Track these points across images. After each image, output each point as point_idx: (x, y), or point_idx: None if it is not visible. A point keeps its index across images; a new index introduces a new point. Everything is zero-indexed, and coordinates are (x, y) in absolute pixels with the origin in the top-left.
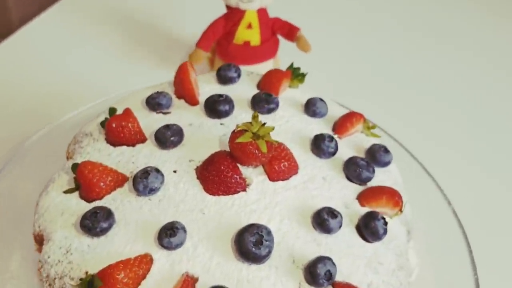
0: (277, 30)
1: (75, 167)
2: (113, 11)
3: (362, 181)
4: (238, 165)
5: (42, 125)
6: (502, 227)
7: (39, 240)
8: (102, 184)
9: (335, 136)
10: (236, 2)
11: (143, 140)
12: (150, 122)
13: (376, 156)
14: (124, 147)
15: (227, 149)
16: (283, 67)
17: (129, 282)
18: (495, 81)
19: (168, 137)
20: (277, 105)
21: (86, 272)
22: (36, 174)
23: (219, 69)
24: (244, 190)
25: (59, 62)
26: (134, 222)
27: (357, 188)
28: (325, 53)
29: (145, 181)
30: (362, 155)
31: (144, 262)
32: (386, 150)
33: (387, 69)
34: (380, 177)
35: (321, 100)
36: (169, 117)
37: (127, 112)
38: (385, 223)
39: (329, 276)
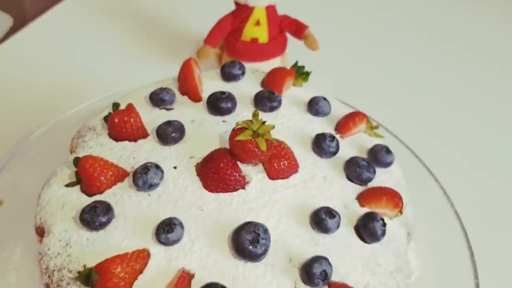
0: (285, 27)
1: (76, 161)
2: (123, 6)
3: (362, 181)
4: (238, 162)
5: (49, 119)
6: (505, 230)
7: (40, 233)
8: (102, 178)
9: (337, 136)
10: None
11: (145, 135)
12: (152, 117)
13: (378, 156)
14: (126, 142)
15: (228, 146)
16: (291, 65)
17: (126, 276)
18: (501, 82)
19: (169, 133)
20: (279, 103)
21: (84, 265)
22: (40, 167)
23: (223, 66)
24: (243, 187)
25: (68, 56)
26: (133, 217)
27: (358, 189)
28: (333, 52)
29: (144, 177)
30: (364, 155)
31: (141, 257)
32: (388, 151)
33: (394, 69)
34: (382, 178)
35: (324, 99)
36: (171, 113)
37: (130, 107)
38: (384, 224)
39: (325, 276)
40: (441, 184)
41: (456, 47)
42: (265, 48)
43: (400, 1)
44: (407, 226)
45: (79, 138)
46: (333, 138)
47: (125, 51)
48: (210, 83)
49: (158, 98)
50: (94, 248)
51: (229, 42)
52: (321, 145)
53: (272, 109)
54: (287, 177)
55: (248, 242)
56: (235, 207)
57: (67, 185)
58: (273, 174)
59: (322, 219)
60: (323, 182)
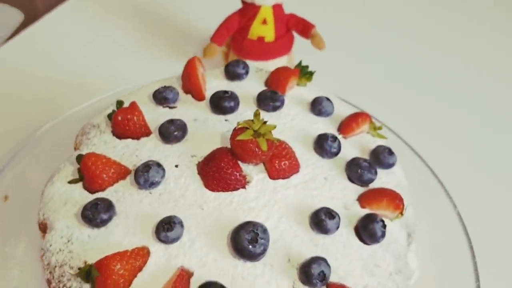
0: (292, 26)
1: (79, 158)
2: (131, 3)
3: (363, 182)
4: (239, 162)
5: (56, 115)
6: (507, 233)
7: (43, 228)
8: (104, 176)
9: (340, 136)
10: None
11: (147, 133)
12: (156, 116)
13: (380, 157)
14: (129, 140)
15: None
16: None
17: (125, 273)
18: (506, 82)
19: (172, 132)
20: (282, 103)
21: (85, 262)
22: (46, 164)
23: (227, 65)
24: (244, 187)
25: (76, 53)
26: (134, 215)
27: (359, 189)
28: (339, 51)
29: (146, 175)
30: (367, 156)
31: (141, 254)
32: (391, 152)
33: (401, 69)
34: (384, 179)
35: (327, 99)
36: (175, 111)
37: (133, 105)
38: (384, 226)
39: (323, 276)
40: (445, 185)
41: (460, 47)
42: (272, 47)
43: (406, 2)
44: (407, 228)
45: (83, 135)
46: (335, 138)
47: (133, 48)
48: (214, 81)
49: (162, 97)
50: (95, 245)
51: (236, 40)
52: (323, 145)
53: (274, 108)
54: (288, 177)
55: (247, 241)
56: (235, 207)
57: (70, 182)
58: (274, 174)
59: (321, 220)
60: (324, 182)
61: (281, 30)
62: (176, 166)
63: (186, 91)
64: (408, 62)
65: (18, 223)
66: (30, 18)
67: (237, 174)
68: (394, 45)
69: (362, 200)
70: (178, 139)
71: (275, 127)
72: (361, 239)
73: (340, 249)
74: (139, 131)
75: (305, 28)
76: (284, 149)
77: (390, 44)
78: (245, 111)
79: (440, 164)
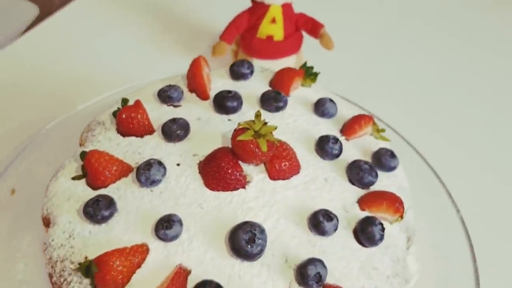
0: (301, 25)
1: (83, 155)
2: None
3: (364, 185)
4: (240, 162)
5: (66, 110)
6: (510, 237)
7: (47, 223)
8: (107, 173)
9: (342, 138)
10: None
11: (151, 131)
12: (160, 114)
13: (382, 160)
14: (133, 137)
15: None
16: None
17: (124, 270)
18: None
19: (174, 131)
20: (285, 103)
21: (86, 257)
22: (53, 159)
23: (232, 64)
24: (244, 187)
25: (89, 48)
26: (134, 212)
27: (359, 192)
28: (348, 51)
29: (147, 173)
30: (369, 158)
31: (140, 251)
32: (393, 155)
33: (409, 70)
34: (385, 182)
35: (331, 100)
36: (179, 110)
37: (137, 103)
38: (383, 229)
39: (319, 278)
40: (448, 187)
41: (465, 47)
42: (281, 46)
43: (415, 3)
44: (407, 231)
45: (89, 131)
46: (336, 140)
47: (145, 44)
48: (219, 81)
49: (166, 95)
50: (96, 241)
51: (245, 39)
52: (324, 147)
53: (277, 109)
54: (288, 178)
55: (244, 241)
56: (234, 206)
57: (73, 178)
58: (274, 174)
59: (319, 222)
60: (324, 184)
61: (290, 29)
62: (178, 164)
63: (191, 90)
64: (417, 64)
65: (24, 217)
66: (46, 12)
67: (237, 174)
68: (405, 46)
69: (362, 202)
70: (180, 138)
71: (275, 128)
72: (359, 241)
73: (338, 251)
74: (143, 129)
75: (314, 28)
76: (285, 150)
77: (401, 45)
78: (248, 111)
79: (444, 166)
